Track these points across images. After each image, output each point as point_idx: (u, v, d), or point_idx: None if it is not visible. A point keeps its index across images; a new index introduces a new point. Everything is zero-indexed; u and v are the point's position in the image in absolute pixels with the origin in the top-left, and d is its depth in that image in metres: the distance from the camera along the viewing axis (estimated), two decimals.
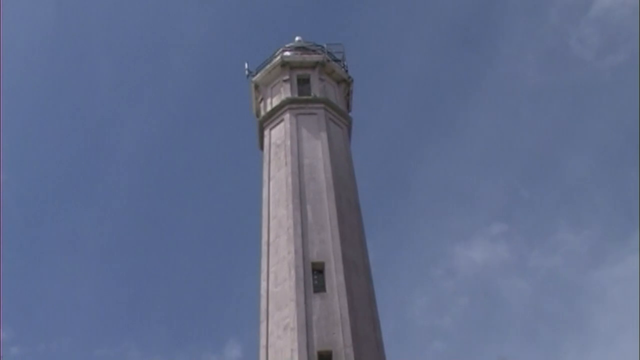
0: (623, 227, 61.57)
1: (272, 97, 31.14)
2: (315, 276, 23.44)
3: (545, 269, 59.22)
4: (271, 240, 25.34)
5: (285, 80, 31.03)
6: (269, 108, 30.67)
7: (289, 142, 28.06)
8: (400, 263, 58.82)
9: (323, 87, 30.78)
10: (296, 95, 30.35)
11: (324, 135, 28.31)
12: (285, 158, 27.60)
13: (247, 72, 32.86)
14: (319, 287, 23.16)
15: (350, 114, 31.54)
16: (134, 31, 65.82)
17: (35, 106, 62.67)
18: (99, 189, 61.75)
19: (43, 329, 57.17)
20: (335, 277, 23.30)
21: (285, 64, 31.60)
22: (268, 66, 32.14)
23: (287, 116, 29.30)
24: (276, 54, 32.55)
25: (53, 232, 61.37)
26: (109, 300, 58.88)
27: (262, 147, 30.13)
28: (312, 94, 30.35)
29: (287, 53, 32.37)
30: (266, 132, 29.82)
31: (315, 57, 32.00)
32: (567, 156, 62.55)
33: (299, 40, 33.59)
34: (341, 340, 21.76)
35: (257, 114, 31.75)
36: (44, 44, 63.33)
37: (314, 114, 29.40)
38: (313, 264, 23.75)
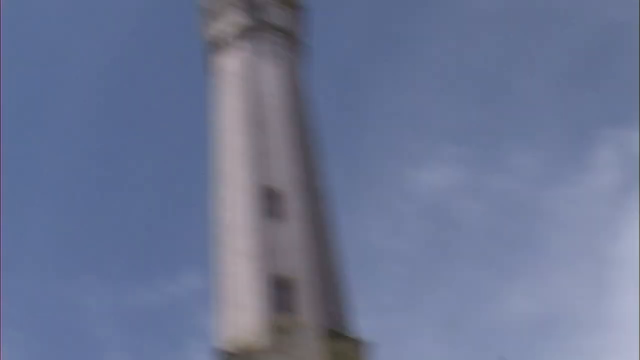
0: (575, 147, 62.39)
1: (221, 22, 30.44)
2: (272, 202, 23.29)
3: (499, 191, 59.96)
4: (227, 167, 25.07)
5: (237, 6, 30.35)
6: (218, 33, 30.05)
7: (241, 68, 27.62)
8: (359, 188, 59.10)
9: (275, 12, 30.22)
10: (249, 21, 29.75)
11: (276, 61, 27.90)
12: (238, 84, 27.19)
13: None
14: (277, 213, 23.02)
15: (303, 40, 31.07)
16: None
17: None
18: (51, 121, 60.73)
19: (3, 265, 56.68)
20: (292, 203, 23.19)
21: None
22: None
23: (238, 42, 28.77)
24: None
25: (6, 167, 60.40)
26: (64, 234, 58.48)
27: (214, 74, 29.65)
28: (265, 19, 29.77)
29: None
30: (219, 59, 29.29)
31: None
32: (520, 78, 62.90)
33: None
34: (300, 266, 21.78)
35: (206, 39, 31.10)
36: None
37: (266, 39, 28.91)
38: (270, 190, 23.57)
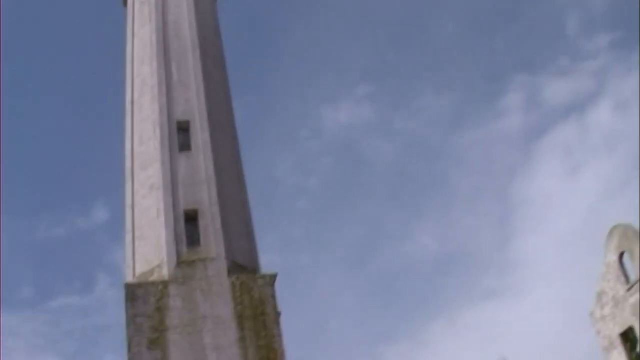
0: (485, 92, 63.53)
1: None
2: (180, 135, 23.10)
3: (409, 131, 60.85)
4: (135, 98, 24.67)
5: None
6: None
7: None
8: (267, 123, 59.20)
9: None
10: None
11: None
12: (149, 15, 26.55)
13: None
14: (184, 145, 22.90)
15: None
16: None
17: None
18: None
19: None
20: (200, 135, 23.05)
21: None
22: None
23: None
24: None
25: None
26: None
27: (125, 4, 28.90)
28: None
29: None
30: None
31: None
32: (434, 21, 63.45)
33: None
34: (207, 199, 21.80)
35: None
36: None
37: None
38: (178, 122, 23.36)
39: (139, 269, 21.29)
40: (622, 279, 30.58)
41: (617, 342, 30.58)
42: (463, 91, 63.74)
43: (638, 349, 30.05)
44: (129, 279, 21.14)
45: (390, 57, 62.27)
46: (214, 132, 23.34)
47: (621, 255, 30.86)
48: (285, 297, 21.14)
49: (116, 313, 20.41)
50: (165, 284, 20.32)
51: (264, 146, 56.28)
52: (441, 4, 62.67)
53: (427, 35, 62.46)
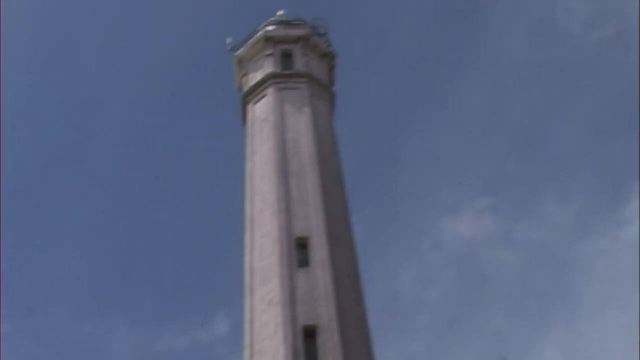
0: (608, 200, 61.81)
1: (255, 72, 30.96)
2: (299, 251, 23.36)
3: (531, 242, 59.45)
4: (255, 214, 25.24)
5: (268, 55, 30.88)
6: (252, 83, 30.50)
7: (272, 117, 27.93)
8: (387, 237, 58.88)
9: (306, 62, 30.65)
10: (279, 70, 30.19)
11: (307, 109, 28.19)
12: (269, 132, 27.47)
13: (229, 47, 32.71)
14: (303, 261, 23.07)
15: (333, 89, 31.41)
16: (116, 7, 65.15)
17: (24, 82, 62.14)
18: (87, 166, 61.44)
19: (30, 305, 57.09)
20: (319, 251, 23.23)
21: (268, 39, 31.46)
22: (251, 40, 31.96)
23: (270, 91, 29.16)
24: (259, 28, 32.34)
25: (40, 206, 61.11)
26: (96, 275, 58.85)
27: (245, 123, 29.99)
28: (295, 68, 30.19)
29: (270, 27, 32.18)
30: (249, 107, 29.69)
31: (298, 32, 31.86)
32: (554, 129, 62.68)
33: (281, 15, 33.37)
34: (325, 315, 21.72)
35: (240, 89, 31.57)
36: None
37: (297, 88, 29.26)
38: (297, 238, 23.66)
39: None
40: None
41: None
42: (585, 198, 62.19)
43: None
44: None
45: (510, 166, 61.70)
46: (332, 248, 23.50)
47: None
48: None
49: None
50: None
51: (384, 260, 55.98)
52: (560, 110, 62.06)
53: (547, 142, 61.72)
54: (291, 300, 22.03)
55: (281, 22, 32.73)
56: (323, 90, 30.20)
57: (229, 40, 32.74)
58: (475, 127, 62.79)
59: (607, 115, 61.61)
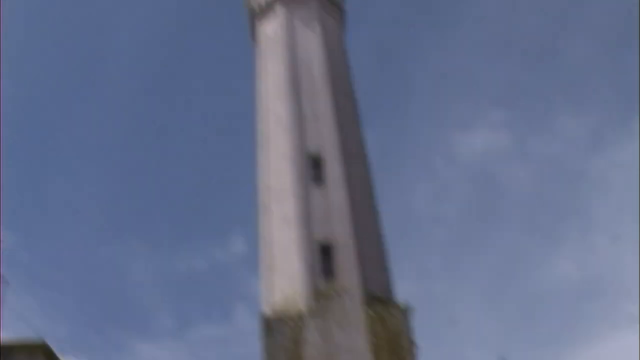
0: (622, 113, 61.39)
1: None
2: (313, 168, 23.41)
3: (546, 156, 59.33)
4: (268, 133, 25.19)
5: None
6: (262, 0, 30.02)
7: (282, 35, 27.59)
8: (400, 153, 58.94)
9: None
10: None
11: (317, 27, 27.79)
12: (280, 51, 27.19)
13: None
14: (318, 179, 23.16)
15: (343, 5, 30.87)
16: None
17: (35, 11, 61.57)
18: (99, 90, 61.38)
19: (48, 231, 57.84)
20: (333, 169, 23.28)
21: None
22: None
23: (280, 8, 28.72)
24: None
25: (55, 134, 61.37)
26: (112, 200, 59.44)
27: (255, 40, 29.67)
28: None
29: None
30: (259, 25, 29.31)
31: None
32: (567, 42, 61.86)
33: None
34: (341, 232, 21.91)
35: (249, 6, 31.10)
36: None
37: (307, 5, 28.76)
38: (311, 156, 23.70)
39: (275, 301, 21.54)
40: None
41: None
42: (600, 112, 61.74)
43: None
44: (266, 310, 21.40)
45: (524, 80, 61.12)
46: (347, 165, 23.52)
47: None
48: (421, 327, 20.92)
49: (254, 344, 20.65)
50: (301, 316, 20.46)
51: (399, 176, 56.03)
52: (575, 25, 61.08)
53: (561, 55, 60.99)
54: (307, 217, 22.20)
55: None
56: (333, 6, 29.70)
57: None
58: (489, 42, 62.02)
59: (620, 28, 60.67)
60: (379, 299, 21.19)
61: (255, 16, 29.77)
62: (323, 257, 21.62)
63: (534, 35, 61.26)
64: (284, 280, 21.67)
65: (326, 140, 24.06)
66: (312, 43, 27.26)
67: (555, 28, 61.60)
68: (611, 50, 61.25)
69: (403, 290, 22.51)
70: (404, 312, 20.65)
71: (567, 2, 61.61)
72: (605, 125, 60.90)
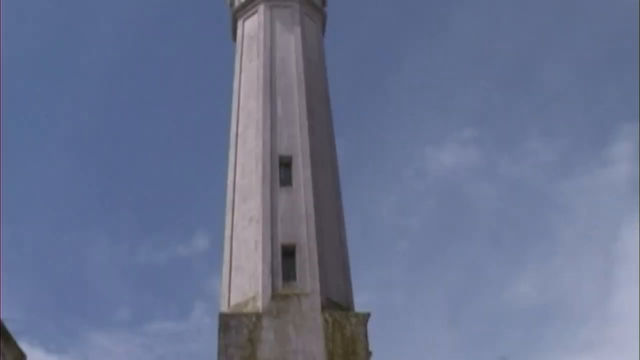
0: (593, 139, 62.06)
1: None
2: (282, 170, 23.40)
3: (514, 176, 59.77)
4: (240, 132, 25.17)
5: None
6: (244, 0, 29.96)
7: (261, 35, 27.55)
8: (371, 161, 59.10)
9: None
10: None
11: (297, 29, 27.77)
12: (258, 50, 27.16)
13: None
14: (286, 180, 23.17)
15: (325, 10, 30.90)
16: None
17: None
18: (71, 80, 60.99)
19: (11, 214, 57.22)
20: (302, 171, 23.30)
21: None
22: None
23: (261, 8, 28.64)
24: None
25: (23, 122, 60.81)
26: (78, 188, 59.08)
27: (235, 39, 29.61)
28: None
29: None
30: (239, 23, 29.23)
31: None
32: (545, 65, 62.41)
33: None
34: (305, 234, 21.93)
35: (232, 4, 31.03)
36: None
37: (289, 7, 28.71)
38: (281, 157, 23.69)
39: (233, 300, 21.52)
40: None
41: None
42: (571, 137, 62.34)
43: None
44: (224, 308, 21.36)
45: (498, 99, 61.55)
46: (315, 169, 23.54)
47: None
48: (378, 336, 20.98)
49: (210, 341, 20.58)
50: (259, 316, 20.43)
51: (366, 184, 56.19)
52: (553, 48, 61.66)
53: (537, 78, 61.48)
54: (272, 218, 22.19)
55: None
56: (313, 10, 29.67)
57: None
58: (466, 58, 62.47)
59: (599, 55, 61.35)
60: (338, 305, 21.26)
61: (237, 14, 29.68)
62: (285, 259, 21.61)
63: (512, 56, 61.83)
64: (245, 280, 21.64)
65: (297, 142, 24.07)
66: (291, 45, 27.26)
67: (534, 50, 62.20)
68: (589, 76, 61.93)
69: (362, 298, 22.59)
70: (362, 320, 20.68)
71: (549, 25, 62.24)
72: (575, 150, 61.52)
